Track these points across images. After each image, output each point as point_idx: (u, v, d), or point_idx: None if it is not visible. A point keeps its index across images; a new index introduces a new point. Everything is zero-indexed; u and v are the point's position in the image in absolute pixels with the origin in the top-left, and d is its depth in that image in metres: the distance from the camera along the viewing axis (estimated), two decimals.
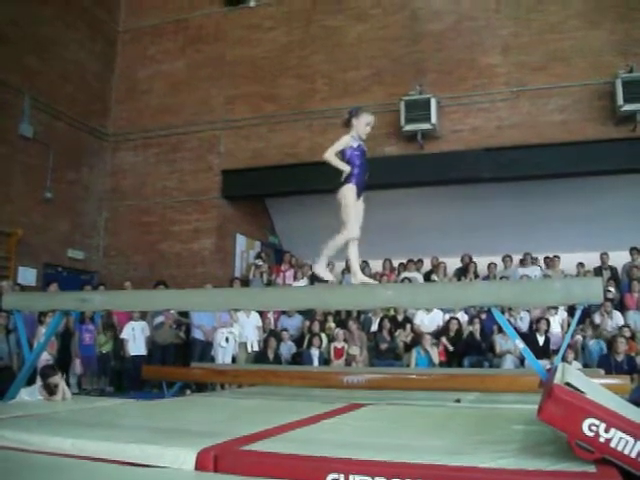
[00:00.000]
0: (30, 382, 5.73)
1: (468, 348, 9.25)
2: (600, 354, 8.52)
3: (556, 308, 9.36)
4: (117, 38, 13.18)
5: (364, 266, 11.62)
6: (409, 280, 10.20)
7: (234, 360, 9.57)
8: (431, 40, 10.95)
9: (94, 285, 10.74)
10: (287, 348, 9.81)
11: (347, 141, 4.54)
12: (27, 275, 10.48)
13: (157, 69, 12.83)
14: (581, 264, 10.57)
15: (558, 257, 10.82)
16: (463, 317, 9.72)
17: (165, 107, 12.53)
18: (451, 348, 9.26)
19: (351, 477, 2.66)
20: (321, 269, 4.64)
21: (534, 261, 10.97)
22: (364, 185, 4.58)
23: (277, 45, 12.00)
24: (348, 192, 4.47)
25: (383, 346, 9.47)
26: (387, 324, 9.65)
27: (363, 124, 4.58)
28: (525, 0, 10.54)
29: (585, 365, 8.33)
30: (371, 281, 4.98)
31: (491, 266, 10.82)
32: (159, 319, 9.94)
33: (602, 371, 7.05)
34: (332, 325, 10.12)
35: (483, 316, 9.51)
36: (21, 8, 10.64)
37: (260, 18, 12.23)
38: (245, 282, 11.50)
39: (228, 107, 12.16)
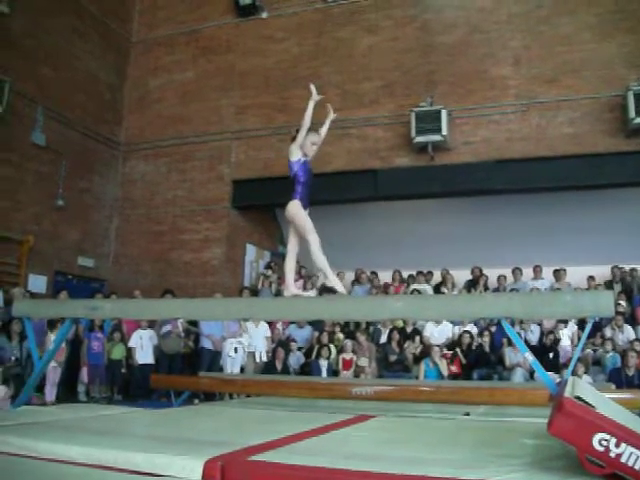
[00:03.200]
0: (39, 389, 5.74)
1: (477, 361, 9.19)
2: (612, 368, 8.45)
3: (566, 321, 9.29)
4: (129, 49, 13.33)
5: (373, 277, 11.66)
6: (418, 292, 10.16)
7: (242, 370, 9.56)
8: (442, 52, 10.97)
9: (105, 294, 10.77)
10: (296, 359, 9.79)
11: (297, 151, 4.62)
12: (38, 282, 10.55)
13: (168, 79, 12.94)
14: (591, 277, 10.49)
15: (564, 270, 10.73)
16: (472, 329, 9.66)
17: (176, 117, 12.63)
18: (464, 361, 9.21)
19: None
20: (334, 281, 4.61)
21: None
22: (309, 200, 4.65)
23: (288, 56, 12.07)
24: (295, 208, 4.55)
25: (392, 358, 9.43)
26: (396, 336, 9.62)
27: (309, 143, 4.67)
28: (536, 12, 10.55)
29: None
30: (305, 293, 4.95)
31: (501, 278, 10.76)
32: (166, 328, 9.95)
33: (613, 385, 6.99)
34: (341, 336, 10.09)
35: (493, 329, 9.46)
36: (35, 19, 10.79)
37: (272, 29, 12.31)
38: (254, 292, 11.49)
39: (239, 117, 12.23)
